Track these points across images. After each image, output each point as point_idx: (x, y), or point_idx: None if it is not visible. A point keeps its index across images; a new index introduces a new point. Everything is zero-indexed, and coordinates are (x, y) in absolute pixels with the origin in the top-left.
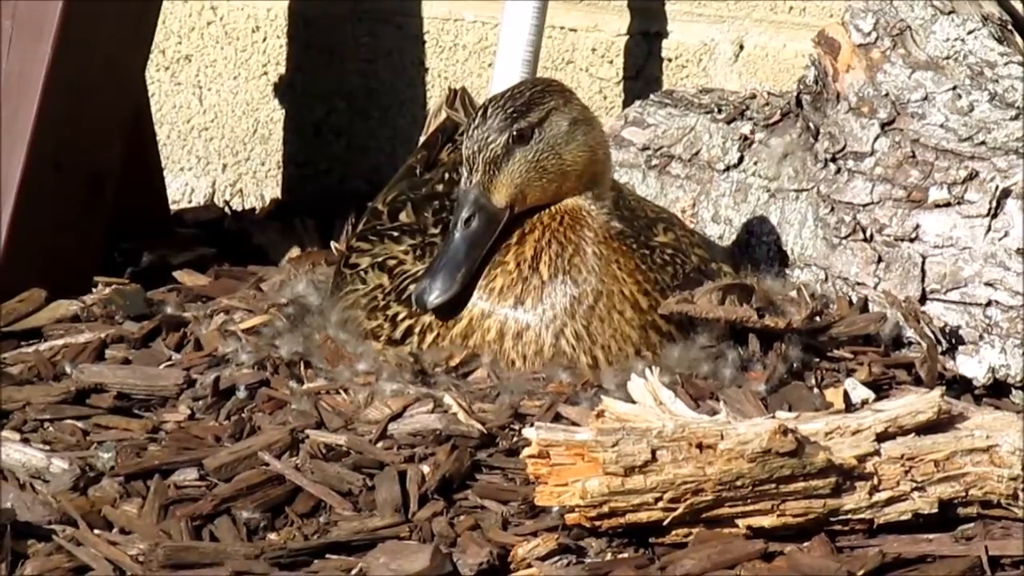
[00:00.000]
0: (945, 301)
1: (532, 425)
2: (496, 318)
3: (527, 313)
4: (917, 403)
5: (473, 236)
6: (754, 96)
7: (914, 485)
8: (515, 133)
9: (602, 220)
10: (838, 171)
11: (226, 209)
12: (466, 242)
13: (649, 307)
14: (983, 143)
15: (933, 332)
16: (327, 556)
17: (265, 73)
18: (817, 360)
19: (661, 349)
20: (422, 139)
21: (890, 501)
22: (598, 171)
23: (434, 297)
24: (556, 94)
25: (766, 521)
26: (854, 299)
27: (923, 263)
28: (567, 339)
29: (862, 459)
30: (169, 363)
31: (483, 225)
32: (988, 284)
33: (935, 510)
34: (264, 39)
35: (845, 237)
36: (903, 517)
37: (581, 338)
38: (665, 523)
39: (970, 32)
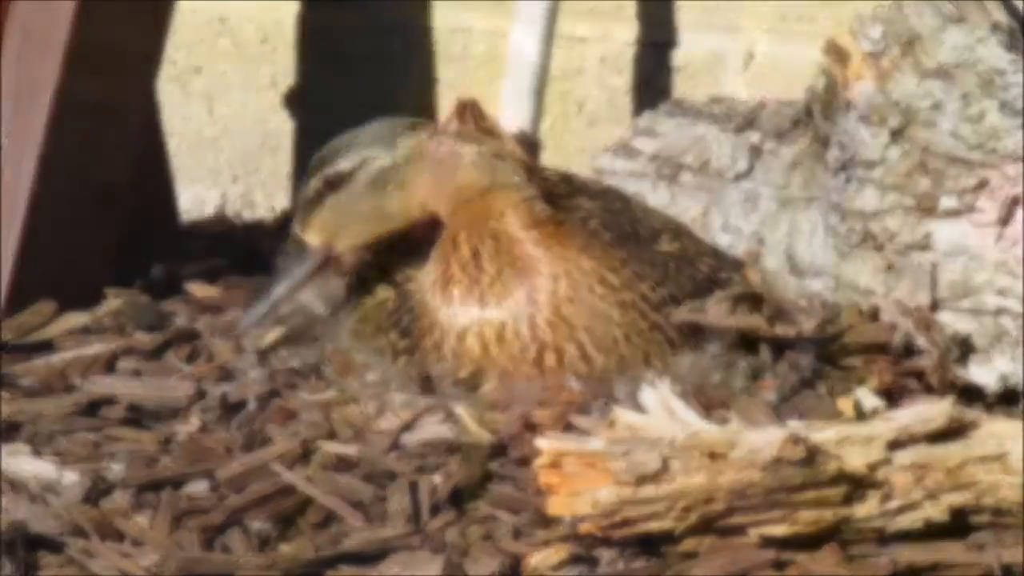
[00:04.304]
0: (956, 310)
1: (543, 435)
2: (472, 332)
3: (494, 311)
4: (928, 411)
5: (286, 269)
6: (764, 105)
7: (926, 493)
8: (326, 180)
9: (523, 210)
10: (848, 180)
11: (236, 221)
12: (279, 274)
13: (623, 285)
14: (993, 151)
15: (944, 340)
16: (339, 566)
17: (275, 84)
18: (828, 369)
19: (663, 350)
20: None
21: (902, 509)
22: (446, 198)
23: (243, 324)
24: (378, 143)
25: (777, 530)
26: (865, 308)
27: (934, 271)
28: (542, 329)
29: (873, 468)
30: (180, 375)
31: (295, 260)
32: (999, 292)
33: (947, 518)
34: (274, 50)
35: (855, 246)
36: (915, 525)
37: (556, 325)
38: (677, 532)
39: (979, 40)
